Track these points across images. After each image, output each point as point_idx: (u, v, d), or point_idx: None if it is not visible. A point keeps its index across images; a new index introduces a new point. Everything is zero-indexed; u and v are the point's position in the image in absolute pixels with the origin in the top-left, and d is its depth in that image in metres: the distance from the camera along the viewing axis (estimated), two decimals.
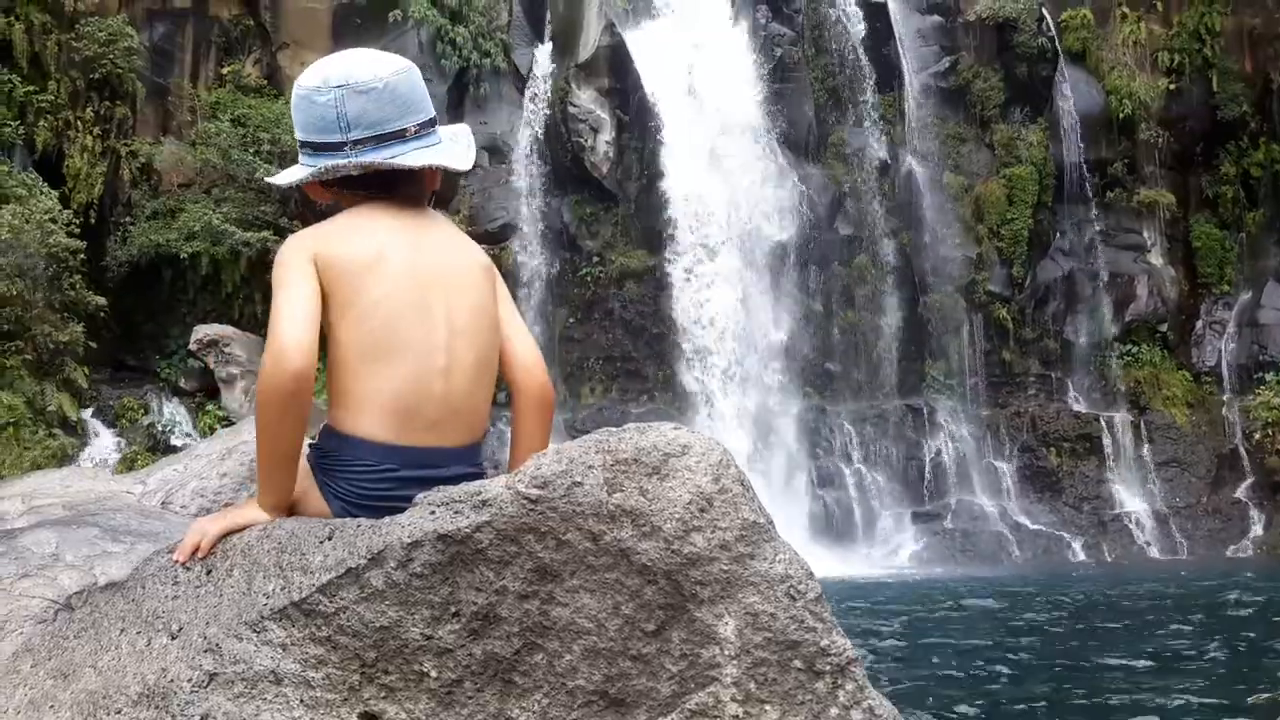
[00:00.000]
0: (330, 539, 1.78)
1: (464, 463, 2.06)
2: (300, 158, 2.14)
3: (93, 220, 16.24)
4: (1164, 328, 20.55)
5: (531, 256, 18.30)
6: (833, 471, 18.30)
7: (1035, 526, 18.25)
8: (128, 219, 16.83)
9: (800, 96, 19.63)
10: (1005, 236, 20.12)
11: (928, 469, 18.79)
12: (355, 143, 2.06)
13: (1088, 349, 20.24)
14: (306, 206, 16.49)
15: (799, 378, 18.63)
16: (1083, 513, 18.59)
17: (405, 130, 2.10)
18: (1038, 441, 19.13)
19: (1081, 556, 17.81)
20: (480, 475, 2.00)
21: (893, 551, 17.71)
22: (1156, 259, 20.95)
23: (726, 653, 1.70)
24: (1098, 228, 20.57)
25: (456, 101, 18.41)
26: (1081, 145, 20.42)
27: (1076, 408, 19.74)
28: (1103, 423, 19.30)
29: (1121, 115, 20.32)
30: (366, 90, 2.07)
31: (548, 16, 19.66)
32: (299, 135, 2.13)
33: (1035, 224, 20.32)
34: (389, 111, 2.08)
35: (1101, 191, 20.71)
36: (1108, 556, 17.83)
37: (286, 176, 2.16)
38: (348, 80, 2.07)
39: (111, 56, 16.70)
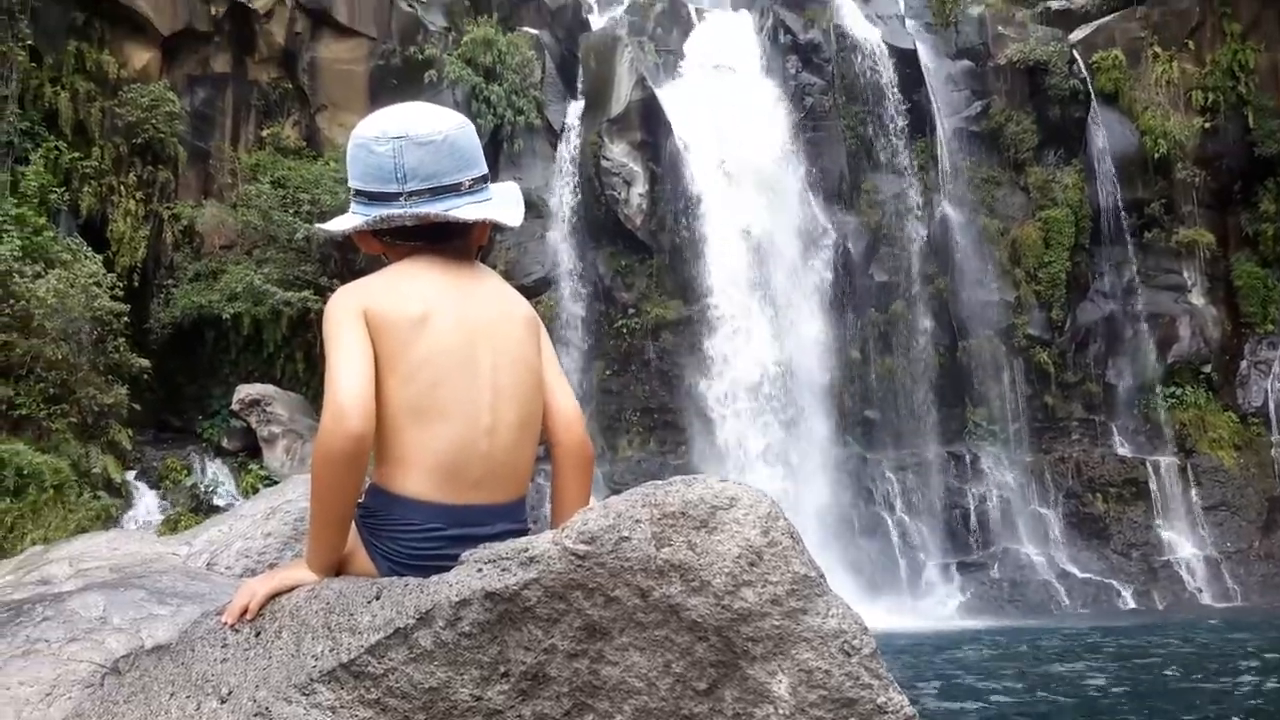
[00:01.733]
0: (378, 599, 1.77)
1: (509, 519, 2.06)
2: (353, 206, 2.16)
3: (136, 283, 16.50)
4: (1208, 369, 20.24)
5: (567, 309, 18.38)
6: (875, 521, 18.09)
7: (1084, 575, 17.91)
8: (170, 281, 17.09)
9: (832, 144, 19.70)
10: (1043, 280, 19.98)
11: (972, 517, 18.53)
12: (411, 194, 2.08)
13: (1131, 392, 19.96)
14: (346, 265, 16.69)
15: (838, 426, 18.50)
16: (1132, 559, 18.24)
17: (460, 184, 2.12)
18: (1083, 487, 18.83)
19: (1132, 604, 17.45)
20: (525, 532, 1.99)
21: (939, 603, 17.42)
22: (1198, 299, 20.69)
23: (781, 711, 1.66)
24: (1137, 269, 20.38)
25: (491, 158, 18.59)
26: (1117, 186, 20.30)
27: (1121, 452, 19.43)
28: (1149, 467, 18.98)
29: (1157, 155, 20.20)
30: (425, 143, 2.09)
31: (580, 73, 19.93)
32: (353, 184, 2.15)
33: (1073, 266, 20.17)
34: (446, 165, 2.10)
35: (1139, 232, 20.55)
36: (1159, 604, 17.45)
37: (339, 224, 2.17)
38: (407, 132, 2.09)
39: (154, 122, 17.05)
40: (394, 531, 2.00)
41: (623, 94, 18.98)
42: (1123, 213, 20.41)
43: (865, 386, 19.05)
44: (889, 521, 18.14)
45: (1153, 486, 18.80)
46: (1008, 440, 19.35)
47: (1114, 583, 17.78)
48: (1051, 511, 18.80)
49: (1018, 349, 19.72)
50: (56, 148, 16.26)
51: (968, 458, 19.01)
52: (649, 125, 18.83)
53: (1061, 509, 18.83)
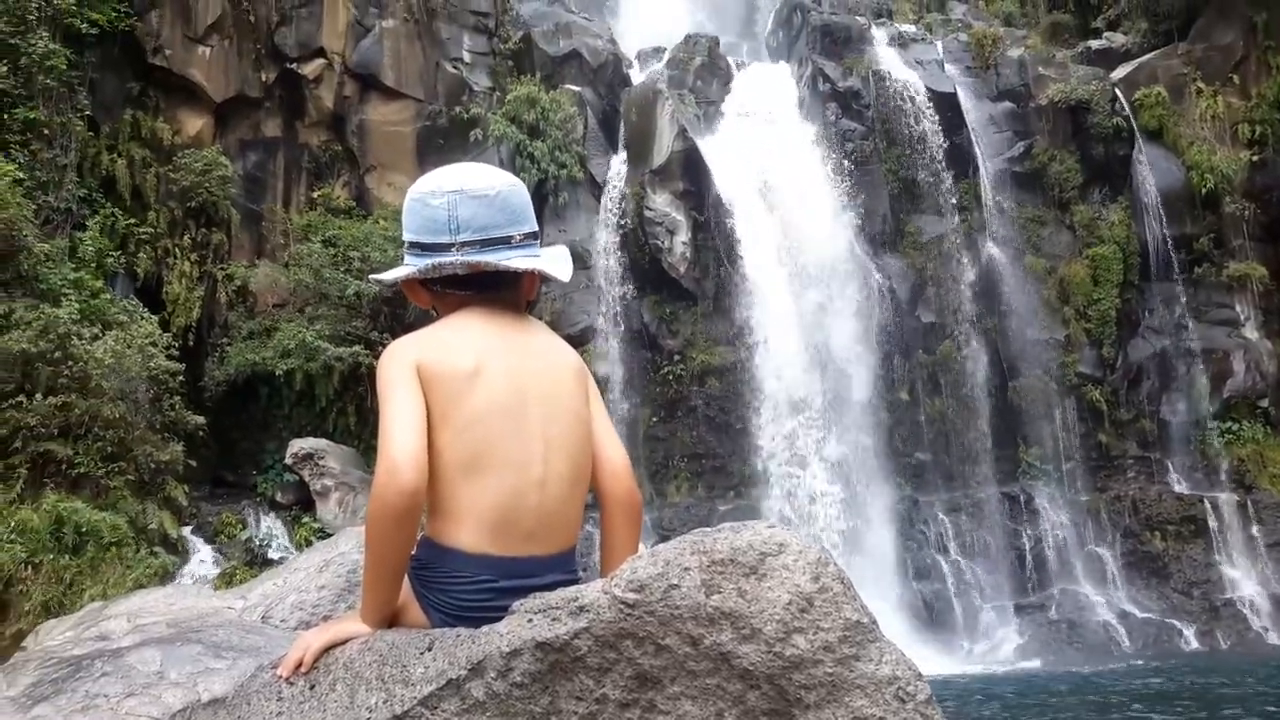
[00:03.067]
0: (430, 650, 1.79)
1: (560, 570, 2.07)
2: (406, 258, 2.22)
3: (191, 342, 16.81)
4: (1264, 403, 19.83)
5: (613, 357, 18.45)
6: (930, 564, 17.85)
7: (1144, 615, 17.51)
8: (225, 340, 17.38)
9: (875, 188, 19.71)
10: (1093, 317, 19.77)
11: (1028, 558, 18.22)
12: (463, 244, 2.14)
13: (1186, 428, 19.60)
14: (396, 320, 16.89)
15: (889, 468, 18.33)
16: (1193, 598, 17.80)
17: (510, 237, 2.17)
18: (1140, 526, 18.46)
19: (1195, 645, 17.00)
20: (576, 582, 2.00)
21: (996, 646, 17.10)
22: (1251, 333, 20.33)
23: None
24: (1188, 304, 20.10)
25: (537, 211, 18.35)
26: (1164, 222, 20.09)
27: (1179, 489, 19.04)
28: (1207, 504, 18.57)
29: (1204, 190, 19.99)
30: (479, 196, 2.16)
31: (621, 127, 20.14)
32: (407, 237, 2.21)
33: (1123, 303, 19.94)
34: (498, 218, 2.16)
35: (1189, 267, 20.28)
36: (1223, 644, 16.99)
37: (393, 273, 2.23)
38: (462, 187, 2.16)
39: (207, 186, 17.45)
40: (446, 584, 2.02)
41: (664, 145, 19.14)
42: (1171, 248, 20.17)
43: (915, 428, 18.87)
44: (943, 564, 17.89)
45: (1212, 524, 18.38)
46: (1062, 479, 19.06)
47: (1175, 623, 17.36)
48: (1109, 551, 18.44)
49: (1069, 387, 19.48)
50: (113, 214, 16.67)
51: (1022, 498, 18.74)
52: (691, 175, 18.96)
53: (1119, 548, 18.45)
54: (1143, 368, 19.90)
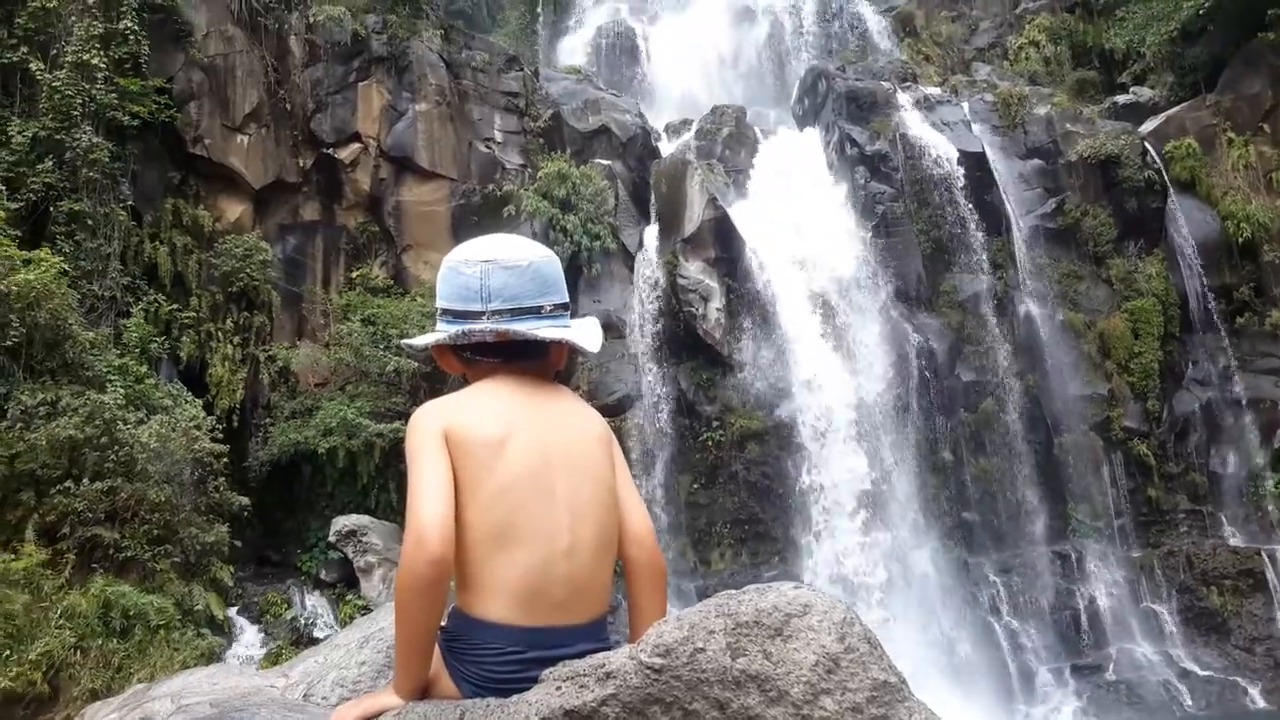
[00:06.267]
0: None
1: (590, 639, 2.08)
2: (438, 324, 2.27)
3: (235, 424, 17.00)
4: None
5: (651, 425, 18.45)
6: (983, 627, 17.50)
7: (1205, 673, 17.04)
8: (268, 420, 17.56)
9: (907, 249, 19.72)
10: (1135, 371, 19.54)
11: (1083, 618, 17.83)
12: (494, 312, 2.19)
13: (1237, 480, 19.22)
14: (435, 394, 16.96)
15: (936, 530, 18.09)
16: (1256, 655, 17.30)
17: (541, 307, 2.22)
18: (1196, 581, 18.04)
19: (1261, 703, 16.49)
20: (607, 650, 2.01)
21: (1054, 709, 16.68)
22: None
23: None
24: (1232, 354, 19.83)
25: (571, 282, 18.52)
26: (1202, 273, 19.92)
27: (1234, 542, 18.61)
28: (1264, 556, 18.11)
29: (1241, 239, 19.82)
30: (511, 267, 2.21)
31: (652, 198, 20.38)
32: (440, 304, 2.26)
33: (1165, 356, 19.71)
34: (529, 288, 2.21)
35: (1230, 317, 20.05)
36: None
37: (424, 339, 2.28)
38: (495, 257, 2.22)
39: (248, 270, 17.77)
40: (476, 655, 2.03)
41: (695, 214, 19.32)
42: (1211, 299, 19.98)
43: (961, 488, 18.64)
44: (996, 626, 17.54)
45: (1270, 577, 17.91)
46: (1113, 536, 18.71)
47: (1239, 680, 16.87)
48: (1165, 608, 18.01)
49: (1115, 442, 19.20)
50: (156, 300, 17.01)
51: (1073, 556, 18.39)
52: (722, 242, 19.09)
53: (1175, 604, 18.02)
54: (1189, 420, 19.60)
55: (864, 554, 17.38)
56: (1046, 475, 18.92)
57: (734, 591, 1.82)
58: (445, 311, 2.25)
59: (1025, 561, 18.28)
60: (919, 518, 17.94)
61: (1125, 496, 19.05)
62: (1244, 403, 19.53)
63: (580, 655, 1.92)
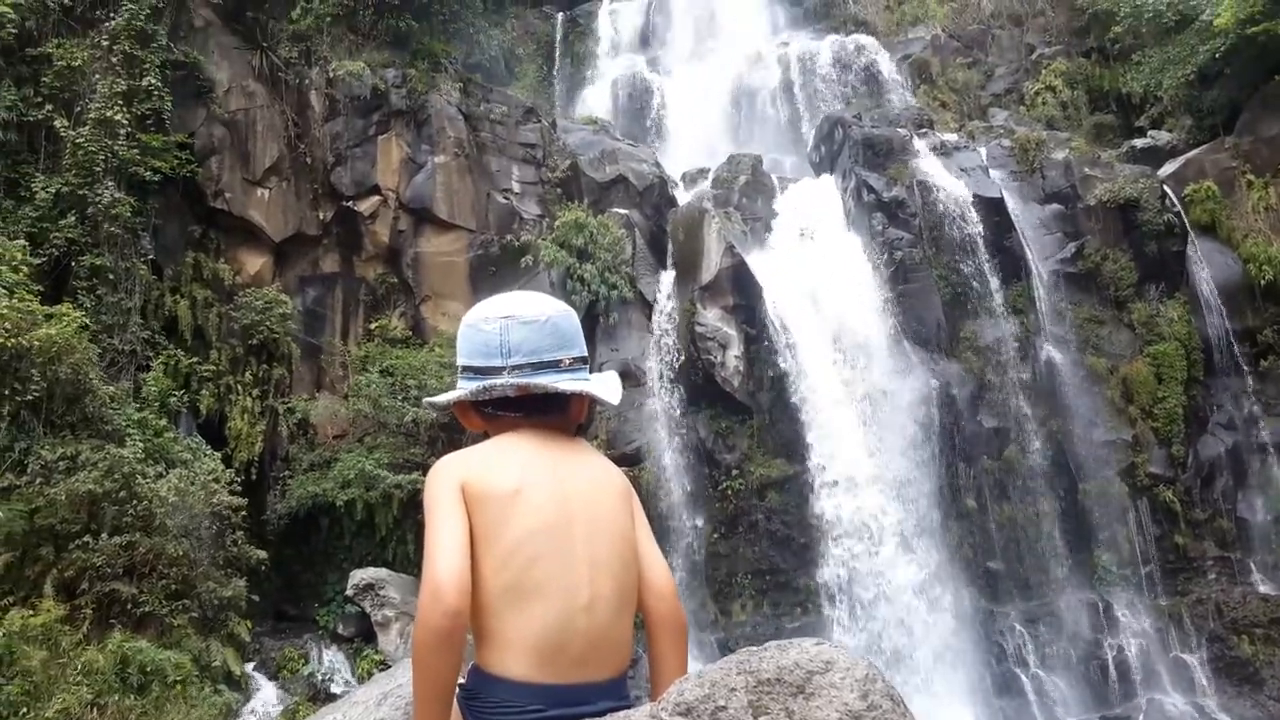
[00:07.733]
0: None
1: (612, 697, 2.03)
2: (459, 382, 2.27)
3: (253, 476, 17.02)
4: None
5: (670, 474, 18.35)
6: (1009, 678, 17.22)
7: None
8: (286, 472, 17.58)
9: (926, 295, 19.66)
10: (1159, 416, 19.36)
11: (1111, 668, 17.52)
12: (514, 368, 2.20)
13: (1267, 526, 18.93)
14: (453, 446, 16.96)
15: (961, 580, 17.86)
16: None
17: (560, 361, 2.22)
18: (1226, 629, 17.72)
19: None
20: (628, 708, 1.95)
21: None
22: None
23: None
24: (1256, 398, 19.64)
25: (589, 331, 18.88)
26: (1225, 316, 19.79)
27: (1264, 589, 18.29)
28: None
29: (1263, 281, 19.71)
30: (529, 322, 2.22)
31: (669, 247, 20.44)
32: (461, 361, 2.26)
33: (1189, 400, 19.51)
34: (547, 343, 2.22)
35: (1254, 361, 19.87)
36: None
37: (445, 396, 2.27)
38: (513, 313, 2.23)
39: (268, 323, 17.89)
40: (495, 713, 1.99)
41: (713, 262, 19.35)
42: (1234, 342, 19.83)
43: (985, 536, 18.42)
44: (1023, 677, 17.25)
45: None
46: (1140, 584, 18.43)
47: None
48: (1194, 657, 17.68)
49: (1140, 488, 18.97)
50: (176, 354, 17.11)
51: (1100, 605, 18.10)
52: (740, 289, 19.10)
53: (1205, 654, 17.69)
54: (1215, 465, 19.37)
55: (890, 605, 17.15)
56: (1071, 522, 18.70)
57: (755, 648, 1.76)
58: (466, 369, 2.26)
59: (1051, 611, 18.02)
60: (945, 566, 17.72)
61: (1152, 543, 18.79)
62: (1270, 447, 19.30)
63: (602, 714, 1.88)
